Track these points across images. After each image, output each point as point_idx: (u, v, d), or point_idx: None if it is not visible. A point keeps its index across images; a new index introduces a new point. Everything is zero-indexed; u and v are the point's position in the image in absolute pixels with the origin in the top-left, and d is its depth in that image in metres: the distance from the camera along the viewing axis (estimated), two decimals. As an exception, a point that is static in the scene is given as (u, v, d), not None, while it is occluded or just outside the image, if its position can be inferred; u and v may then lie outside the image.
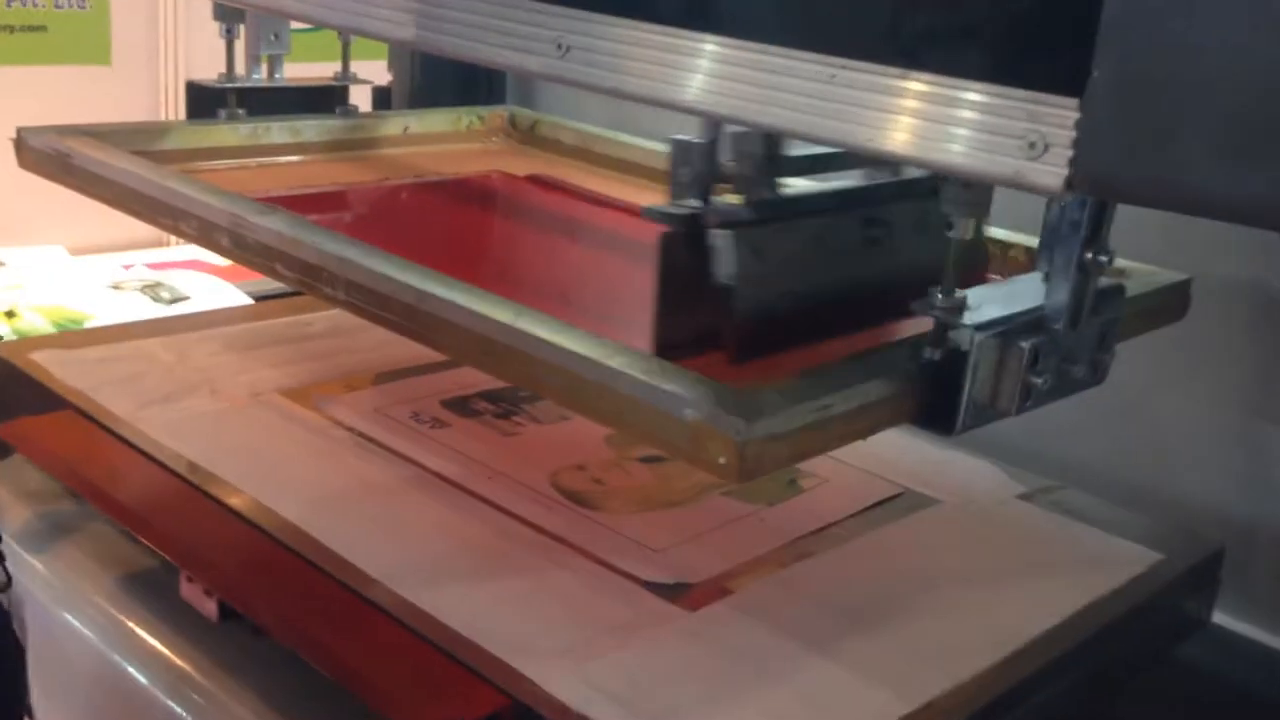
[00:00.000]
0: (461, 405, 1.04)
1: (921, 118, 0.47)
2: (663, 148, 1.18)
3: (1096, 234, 0.65)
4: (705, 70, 0.55)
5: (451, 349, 0.70)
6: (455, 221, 1.10)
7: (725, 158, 0.73)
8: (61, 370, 1.04)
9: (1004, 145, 0.44)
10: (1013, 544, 0.90)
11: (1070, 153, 0.43)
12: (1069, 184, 0.43)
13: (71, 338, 1.26)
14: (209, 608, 0.80)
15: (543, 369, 0.65)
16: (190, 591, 0.82)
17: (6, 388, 1.05)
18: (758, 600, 0.79)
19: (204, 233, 0.87)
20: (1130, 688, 0.87)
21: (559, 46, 0.61)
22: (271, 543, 0.82)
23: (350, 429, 0.99)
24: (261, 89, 1.25)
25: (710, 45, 0.54)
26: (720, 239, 0.69)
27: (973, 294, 0.67)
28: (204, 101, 1.23)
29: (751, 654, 0.74)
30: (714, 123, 0.73)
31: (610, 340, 0.65)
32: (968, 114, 0.46)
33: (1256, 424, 1.00)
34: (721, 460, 0.58)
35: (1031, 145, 0.43)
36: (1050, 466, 1.02)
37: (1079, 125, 0.43)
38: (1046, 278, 0.68)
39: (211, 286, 1.53)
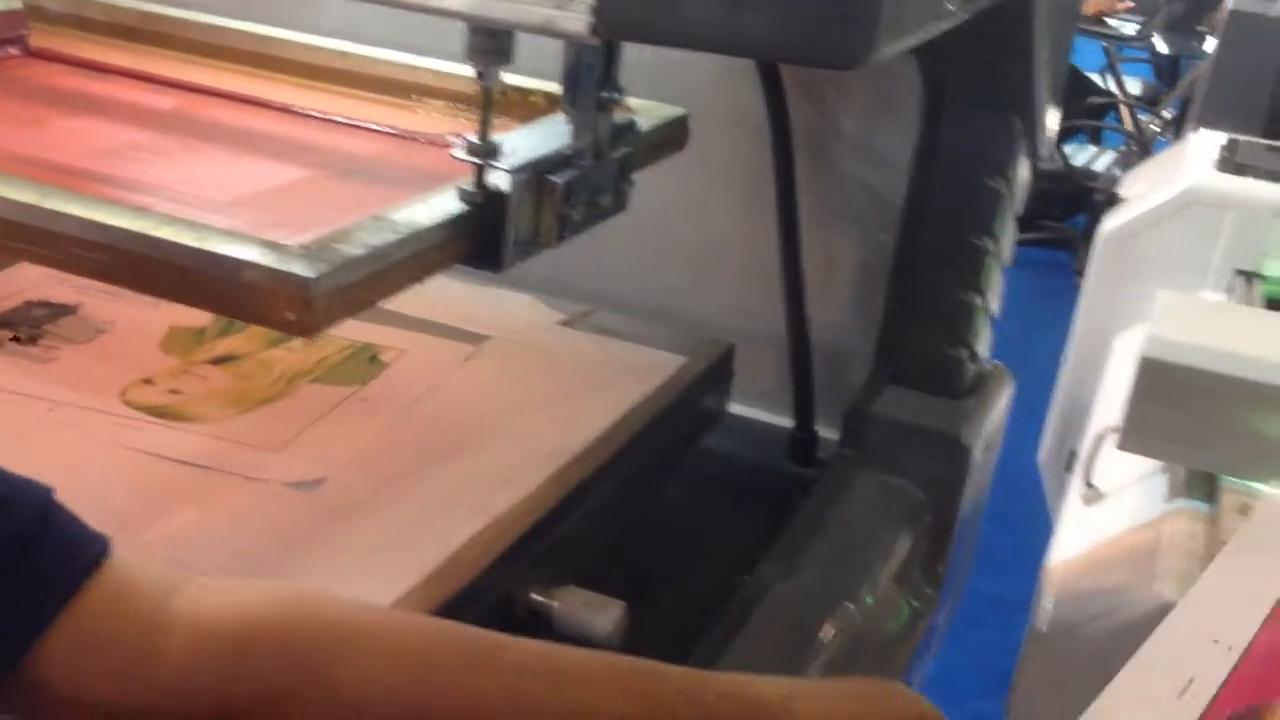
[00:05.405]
0: (-30, 338, 0.91)
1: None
2: (162, 9, 1.13)
3: (609, 75, 0.72)
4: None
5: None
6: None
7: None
8: None
9: (535, -4, 0.49)
10: (558, 367, 0.98)
11: (592, 0, 0.48)
12: (593, 30, 0.48)
13: None
14: None
15: (86, 248, 0.63)
16: None
17: None
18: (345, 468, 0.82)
19: None
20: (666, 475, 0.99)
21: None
22: None
23: None
24: None
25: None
26: None
27: (506, 139, 0.72)
28: None
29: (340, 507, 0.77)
30: None
31: (154, 211, 0.64)
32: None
33: (750, 233, 1.14)
34: (290, 316, 0.59)
35: (560, -4, 0.48)
36: (584, 295, 1.10)
37: (600, -24, 0.47)
38: (570, 119, 0.74)
39: None
